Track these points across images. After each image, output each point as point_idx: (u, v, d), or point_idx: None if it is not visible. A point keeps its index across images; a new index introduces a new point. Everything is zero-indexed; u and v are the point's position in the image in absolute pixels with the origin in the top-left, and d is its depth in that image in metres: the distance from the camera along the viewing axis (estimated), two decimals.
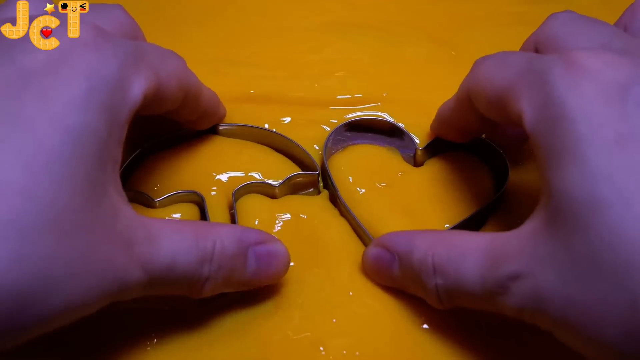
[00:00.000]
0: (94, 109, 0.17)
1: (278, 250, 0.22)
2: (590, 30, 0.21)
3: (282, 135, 0.28)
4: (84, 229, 0.16)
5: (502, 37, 0.33)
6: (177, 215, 0.25)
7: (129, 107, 0.19)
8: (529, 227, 0.18)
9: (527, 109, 0.18)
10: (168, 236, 0.19)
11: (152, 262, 0.18)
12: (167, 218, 0.22)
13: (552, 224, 0.17)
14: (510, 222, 0.26)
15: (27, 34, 0.18)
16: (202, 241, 0.20)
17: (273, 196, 0.26)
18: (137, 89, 0.19)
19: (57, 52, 0.17)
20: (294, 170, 0.27)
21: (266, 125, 0.29)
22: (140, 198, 0.26)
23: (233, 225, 0.23)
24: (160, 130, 0.27)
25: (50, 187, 0.16)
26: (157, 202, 0.25)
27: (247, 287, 0.22)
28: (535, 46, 0.23)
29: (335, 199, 0.27)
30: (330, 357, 0.22)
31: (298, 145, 0.27)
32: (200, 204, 0.26)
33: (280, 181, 0.26)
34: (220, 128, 0.28)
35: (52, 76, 0.17)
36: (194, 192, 0.26)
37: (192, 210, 0.26)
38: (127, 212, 0.18)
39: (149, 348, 0.22)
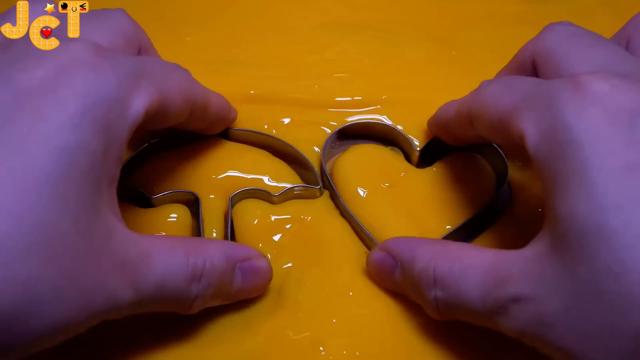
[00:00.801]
0: (89, 128, 0.17)
1: (262, 266, 0.23)
2: (593, 49, 0.21)
3: (289, 145, 0.27)
4: (73, 250, 0.16)
5: (502, 37, 0.33)
6: (174, 216, 0.25)
7: (128, 125, 0.19)
8: (534, 250, 0.18)
9: (530, 131, 0.18)
10: (160, 255, 0.19)
11: (144, 282, 0.18)
12: (158, 235, 0.21)
13: (558, 249, 0.17)
14: (519, 226, 0.26)
15: (26, 52, 0.18)
16: (193, 259, 0.20)
17: (271, 203, 0.26)
18: (137, 106, 0.19)
19: (54, 71, 0.17)
20: (296, 178, 0.27)
21: (265, 127, 0.29)
22: (138, 195, 0.26)
23: (221, 242, 0.23)
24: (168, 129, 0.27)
25: (39, 208, 0.16)
26: (154, 200, 0.25)
27: (231, 301, 0.23)
28: (533, 58, 0.23)
29: (335, 200, 0.27)
30: (330, 357, 0.22)
31: (305, 159, 0.27)
32: (195, 204, 0.26)
33: (279, 192, 0.26)
34: (230, 131, 0.28)
35: (47, 96, 0.17)
36: (190, 192, 0.26)
37: (186, 212, 0.26)
38: (120, 231, 0.18)
39: (148, 347, 0.22)
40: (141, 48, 0.23)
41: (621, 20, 0.31)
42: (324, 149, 0.27)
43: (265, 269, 0.23)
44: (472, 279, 0.19)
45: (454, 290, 0.19)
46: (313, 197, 0.27)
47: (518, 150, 0.19)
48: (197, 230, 0.25)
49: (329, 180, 0.27)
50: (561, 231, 0.17)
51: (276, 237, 0.25)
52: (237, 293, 0.22)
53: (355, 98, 0.30)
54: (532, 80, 0.20)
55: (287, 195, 0.26)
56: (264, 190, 0.26)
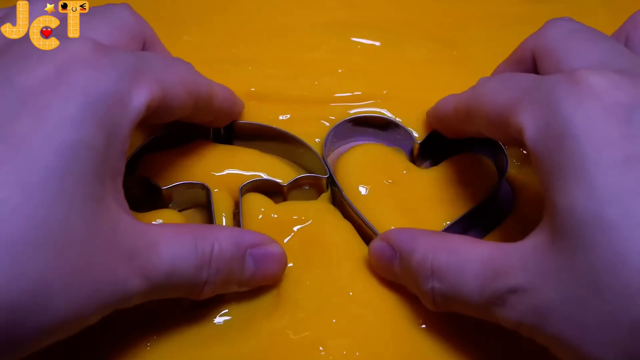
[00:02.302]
0: (90, 124, 0.17)
1: (275, 251, 0.23)
2: (593, 45, 0.21)
3: (296, 138, 0.28)
4: (80, 243, 0.17)
5: (502, 36, 0.33)
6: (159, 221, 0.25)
7: (130, 120, 0.19)
8: (532, 242, 0.18)
9: (528, 124, 0.18)
10: (168, 243, 0.19)
11: (153, 270, 0.19)
12: (165, 223, 0.22)
13: (556, 241, 0.17)
14: (524, 225, 0.26)
15: (26, 52, 0.18)
16: (201, 245, 0.20)
17: (280, 194, 0.26)
18: (139, 101, 0.19)
19: (54, 69, 0.17)
20: (291, 174, 0.27)
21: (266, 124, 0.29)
22: (148, 185, 0.26)
23: (231, 227, 0.23)
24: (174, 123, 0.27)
25: (45, 204, 0.16)
26: (165, 190, 0.25)
27: (245, 288, 0.23)
28: (533, 52, 0.23)
29: (337, 199, 0.27)
30: (330, 357, 0.22)
31: (309, 147, 0.27)
32: (204, 198, 0.26)
33: (288, 181, 0.26)
34: (236, 123, 0.28)
35: (48, 94, 0.17)
36: (201, 184, 0.26)
37: (180, 217, 0.25)
38: (128, 222, 0.19)
39: (148, 347, 0.22)
40: (146, 42, 0.23)
41: (621, 19, 0.31)
42: (325, 144, 0.28)
43: (278, 254, 0.23)
44: (471, 270, 0.19)
45: (452, 281, 0.20)
46: (321, 186, 0.27)
47: (516, 145, 0.19)
48: (210, 220, 0.25)
49: (332, 177, 0.27)
50: (559, 223, 0.17)
51: (279, 237, 0.25)
52: (251, 280, 0.22)
53: (355, 93, 0.30)
54: (530, 76, 0.20)
55: (297, 184, 0.26)
56: (274, 180, 0.26)
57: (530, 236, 0.19)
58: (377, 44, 0.32)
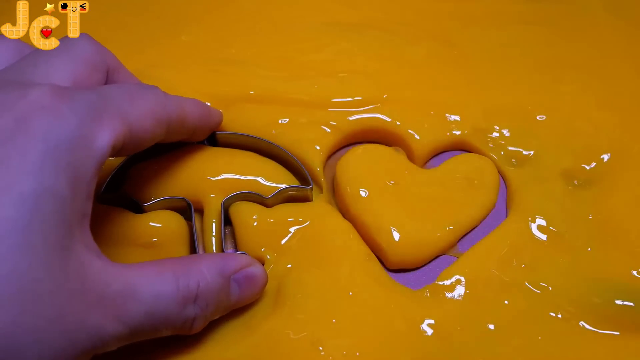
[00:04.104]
0: (52, 171, 0.17)
1: (256, 273, 0.23)
2: None
3: (277, 146, 0.27)
4: (49, 294, 0.16)
5: (502, 36, 0.33)
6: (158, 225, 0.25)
7: (94, 162, 0.19)
8: None
9: None
10: (146, 283, 0.19)
11: (130, 314, 0.18)
12: (145, 262, 0.21)
13: None
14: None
15: None
16: (183, 282, 0.20)
17: (265, 206, 0.26)
18: (102, 141, 0.19)
19: (13, 120, 0.17)
20: (289, 178, 0.27)
21: (264, 128, 0.29)
22: (129, 203, 0.25)
23: (213, 255, 0.22)
24: None
25: (8, 258, 0.16)
26: (146, 207, 0.25)
27: (229, 310, 0.23)
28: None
29: (337, 199, 0.27)
30: (330, 357, 0.22)
31: (292, 157, 0.27)
32: (187, 211, 0.26)
33: (271, 194, 0.26)
34: (218, 134, 0.27)
35: (7, 145, 0.17)
36: (182, 199, 0.25)
37: (178, 219, 0.25)
38: (98, 267, 0.18)
39: (147, 348, 0.22)
40: (109, 70, 0.23)
41: (622, 20, 0.31)
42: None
43: (260, 275, 0.23)
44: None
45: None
46: (306, 197, 0.27)
47: None
48: (192, 237, 0.25)
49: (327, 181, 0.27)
50: None
51: (277, 239, 0.25)
52: (236, 303, 0.22)
53: (356, 98, 0.30)
54: None
55: (280, 197, 0.26)
56: (256, 193, 0.26)
57: None
58: (377, 44, 0.32)
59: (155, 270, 0.20)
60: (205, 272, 0.21)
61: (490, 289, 0.24)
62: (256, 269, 0.23)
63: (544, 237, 0.25)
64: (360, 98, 0.29)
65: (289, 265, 0.24)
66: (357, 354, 0.22)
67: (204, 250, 0.25)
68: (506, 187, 0.28)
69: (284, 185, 0.26)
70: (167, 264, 0.20)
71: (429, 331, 0.23)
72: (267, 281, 0.23)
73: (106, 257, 0.19)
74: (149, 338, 0.20)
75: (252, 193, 0.26)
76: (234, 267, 0.22)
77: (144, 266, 0.20)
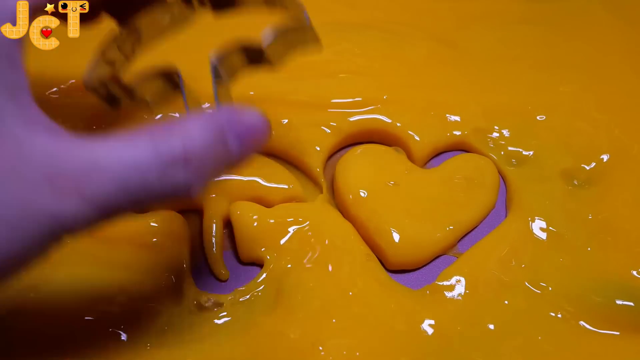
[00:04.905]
0: None
1: (255, 120, 0.20)
2: None
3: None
4: None
5: (503, 35, 0.33)
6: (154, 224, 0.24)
7: (6, 19, 0.17)
8: None
9: None
10: (114, 154, 0.17)
11: (94, 189, 0.16)
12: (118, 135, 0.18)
13: None
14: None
15: None
16: (165, 145, 0.17)
17: (263, 58, 0.25)
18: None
19: None
20: (289, 178, 0.27)
21: None
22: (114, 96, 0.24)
23: (201, 114, 0.19)
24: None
25: None
26: (132, 84, 0.24)
27: (236, 167, 0.20)
28: None
29: (336, 200, 0.27)
30: (330, 357, 0.22)
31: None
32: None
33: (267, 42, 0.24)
34: None
35: None
36: (172, 66, 0.24)
37: (179, 219, 0.25)
38: (45, 141, 0.16)
39: (148, 347, 0.22)
40: None
41: (621, 20, 0.31)
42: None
43: (258, 119, 0.20)
44: None
45: None
46: (304, 40, 0.25)
47: None
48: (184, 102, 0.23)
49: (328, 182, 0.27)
50: None
51: (276, 239, 0.25)
52: (240, 157, 0.19)
53: (356, 99, 0.30)
54: None
55: (280, 42, 0.24)
56: (252, 45, 0.24)
57: None
58: (377, 44, 0.32)
59: (127, 138, 0.17)
60: (191, 131, 0.18)
61: (490, 289, 0.24)
62: (254, 116, 0.20)
63: (543, 237, 0.25)
64: (360, 99, 0.29)
65: (289, 266, 0.24)
66: (357, 354, 0.22)
67: (204, 247, 0.25)
68: (506, 187, 0.28)
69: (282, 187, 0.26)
70: (145, 130, 0.18)
71: (429, 331, 0.23)
72: (269, 125, 0.20)
73: (67, 132, 0.17)
74: (134, 213, 0.18)
75: (249, 47, 0.24)
76: (225, 119, 0.19)
77: (114, 137, 0.17)
